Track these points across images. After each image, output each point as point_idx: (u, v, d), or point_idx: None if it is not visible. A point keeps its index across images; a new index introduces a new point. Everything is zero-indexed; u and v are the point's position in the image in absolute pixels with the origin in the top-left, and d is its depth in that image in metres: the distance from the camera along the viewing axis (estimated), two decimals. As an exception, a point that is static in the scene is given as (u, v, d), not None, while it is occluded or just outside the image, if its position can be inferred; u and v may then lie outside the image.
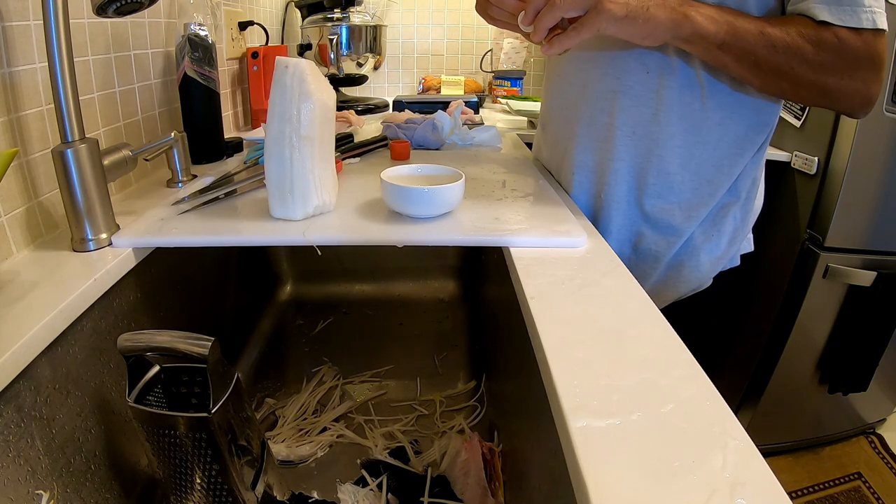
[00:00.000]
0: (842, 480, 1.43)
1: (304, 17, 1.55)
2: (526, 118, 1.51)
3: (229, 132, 1.14)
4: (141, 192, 0.79)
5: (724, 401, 0.36)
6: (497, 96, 1.83)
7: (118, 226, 0.62)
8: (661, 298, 0.79)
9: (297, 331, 1.01)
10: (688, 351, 0.42)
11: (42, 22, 0.51)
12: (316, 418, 0.79)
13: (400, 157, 0.98)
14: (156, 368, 0.50)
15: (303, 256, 1.10)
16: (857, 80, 0.59)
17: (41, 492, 0.44)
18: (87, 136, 0.57)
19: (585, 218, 0.70)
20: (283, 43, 1.63)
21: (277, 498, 0.56)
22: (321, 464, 0.72)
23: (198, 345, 0.44)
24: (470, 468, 0.66)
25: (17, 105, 0.57)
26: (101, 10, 0.55)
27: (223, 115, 1.02)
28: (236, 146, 1.02)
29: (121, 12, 0.56)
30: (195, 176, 0.84)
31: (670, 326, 0.46)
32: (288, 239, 0.62)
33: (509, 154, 1.05)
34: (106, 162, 0.61)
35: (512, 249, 0.60)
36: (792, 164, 1.34)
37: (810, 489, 1.41)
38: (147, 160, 0.76)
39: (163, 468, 0.48)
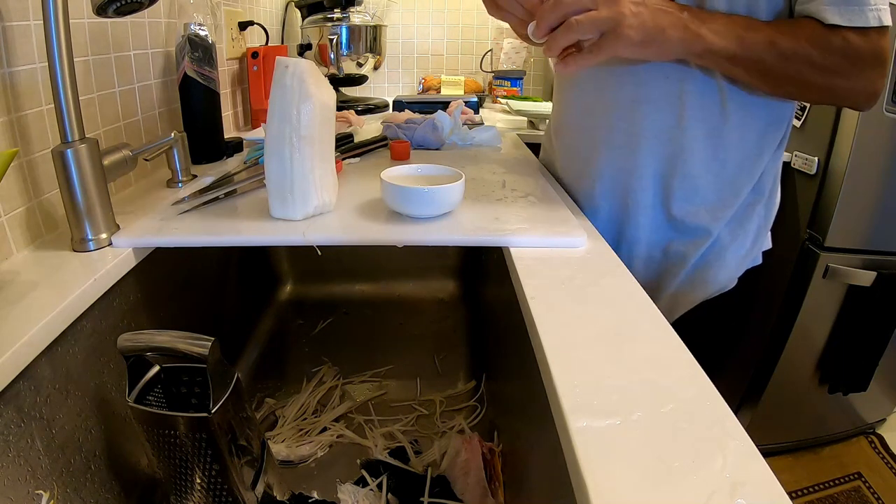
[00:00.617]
0: (842, 480, 1.43)
1: (304, 17, 1.55)
2: (526, 118, 1.51)
3: (229, 132, 1.14)
4: (141, 192, 0.79)
5: (724, 401, 0.36)
6: (497, 96, 1.83)
7: (118, 226, 0.62)
8: (688, 300, 0.79)
9: (297, 331, 1.01)
10: (688, 351, 0.42)
11: (42, 22, 0.51)
12: (316, 418, 0.79)
13: (400, 157, 0.98)
14: (156, 368, 0.50)
15: (303, 256, 1.10)
16: (864, 79, 0.60)
17: (41, 492, 0.44)
18: (87, 136, 0.57)
19: (585, 218, 0.70)
20: (283, 43, 1.63)
21: (277, 498, 0.56)
22: (321, 464, 0.72)
23: (198, 345, 0.44)
24: (470, 468, 0.66)
25: (17, 105, 0.57)
26: (101, 10, 0.55)
27: (223, 115, 1.02)
28: (236, 146, 1.02)
29: (121, 12, 0.56)
30: (195, 176, 0.84)
31: (670, 326, 0.46)
32: (288, 239, 0.62)
33: (509, 154, 1.05)
34: (106, 162, 0.61)
35: (512, 249, 0.60)
36: (792, 164, 1.34)
37: (810, 489, 1.41)
38: (147, 160, 0.76)
39: (163, 468, 0.48)
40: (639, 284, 0.53)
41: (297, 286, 1.11)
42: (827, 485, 1.42)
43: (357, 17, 1.50)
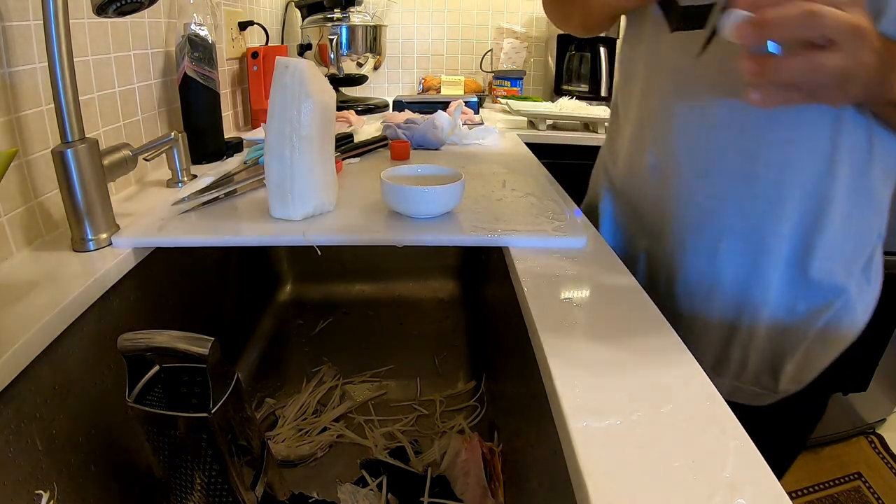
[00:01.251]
0: (842, 480, 1.43)
1: (304, 17, 1.55)
2: (526, 118, 1.51)
3: (229, 132, 1.14)
4: (141, 192, 0.79)
5: (724, 401, 0.36)
6: (497, 96, 1.83)
7: (118, 226, 0.62)
8: (819, 362, 0.65)
9: (297, 331, 1.01)
10: (688, 351, 0.42)
11: (42, 22, 0.51)
12: (316, 418, 0.79)
13: (400, 157, 0.98)
14: (156, 368, 0.50)
15: (303, 256, 1.10)
16: None
17: (41, 492, 0.44)
18: (87, 136, 0.57)
19: (585, 218, 0.70)
20: (283, 43, 1.63)
21: (277, 498, 0.56)
22: (321, 464, 0.72)
23: (198, 345, 0.44)
24: (470, 468, 0.66)
25: (17, 105, 0.57)
26: (101, 10, 0.55)
27: (223, 115, 1.02)
28: (236, 146, 1.02)
29: (121, 12, 0.56)
30: (195, 176, 0.84)
31: (670, 326, 0.46)
32: (288, 239, 0.62)
33: (509, 154, 1.05)
34: (106, 162, 0.61)
35: (512, 249, 0.60)
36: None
37: (810, 489, 1.41)
38: (147, 160, 0.76)
39: (163, 468, 0.48)
40: (639, 284, 0.53)
41: (296, 286, 1.11)
42: (827, 485, 1.42)
43: (357, 17, 1.50)
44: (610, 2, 0.64)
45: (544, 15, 2.13)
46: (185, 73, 0.89)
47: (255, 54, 1.22)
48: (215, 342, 0.44)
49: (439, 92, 1.85)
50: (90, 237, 0.59)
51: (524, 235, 0.61)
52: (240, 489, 0.48)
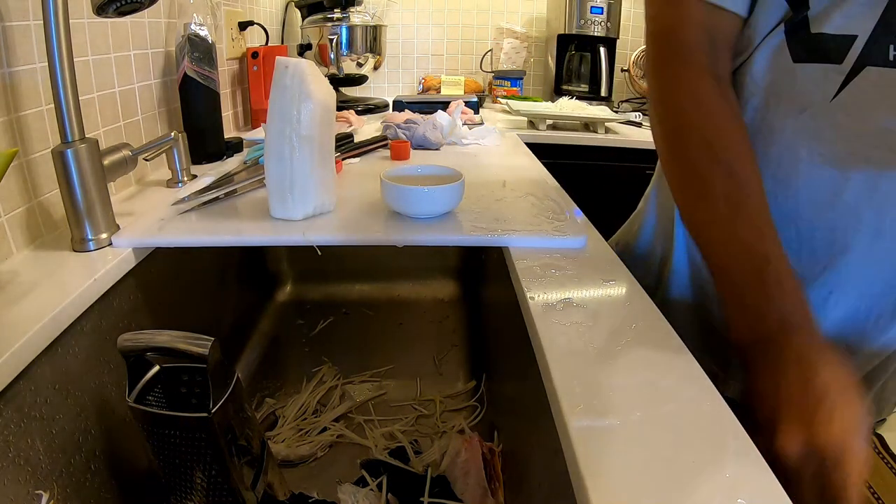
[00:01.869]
0: (842, 480, 1.43)
1: (304, 17, 1.55)
2: (526, 118, 1.51)
3: (229, 132, 1.14)
4: (141, 192, 0.79)
5: (723, 400, 0.36)
6: (497, 96, 1.83)
7: (118, 226, 0.62)
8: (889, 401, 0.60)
9: (297, 331, 1.01)
10: (688, 351, 0.42)
11: (42, 22, 0.51)
12: (316, 418, 0.79)
13: (400, 157, 0.98)
14: (156, 368, 0.50)
15: (303, 256, 1.10)
16: None
17: (41, 492, 0.44)
18: (87, 136, 0.57)
19: (585, 218, 0.70)
20: (283, 43, 1.63)
21: (277, 498, 0.56)
22: (321, 464, 0.72)
23: (198, 345, 0.44)
24: (470, 468, 0.66)
25: (17, 105, 0.57)
26: (101, 10, 0.55)
27: (223, 115, 1.02)
28: (236, 146, 1.02)
29: (121, 12, 0.56)
30: (195, 176, 0.84)
31: (670, 326, 0.46)
32: (288, 239, 0.62)
33: (509, 154, 1.05)
34: (106, 162, 0.61)
35: (512, 249, 0.60)
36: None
37: (810, 489, 1.41)
38: (147, 160, 0.76)
39: (163, 468, 0.48)
40: (638, 284, 0.53)
41: (296, 286, 1.11)
42: (827, 485, 1.42)
43: (357, 17, 1.50)
44: None
45: (544, 15, 2.14)
46: (185, 73, 0.89)
47: (255, 54, 1.22)
48: (215, 342, 0.44)
49: (439, 92, 1.85)
50: (90, 237, 0.59)
51: (524, 235, 0.61)
52: (240, 489, 0.48)
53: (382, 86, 1.97)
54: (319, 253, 0.63)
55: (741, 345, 0.47)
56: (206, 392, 0.48)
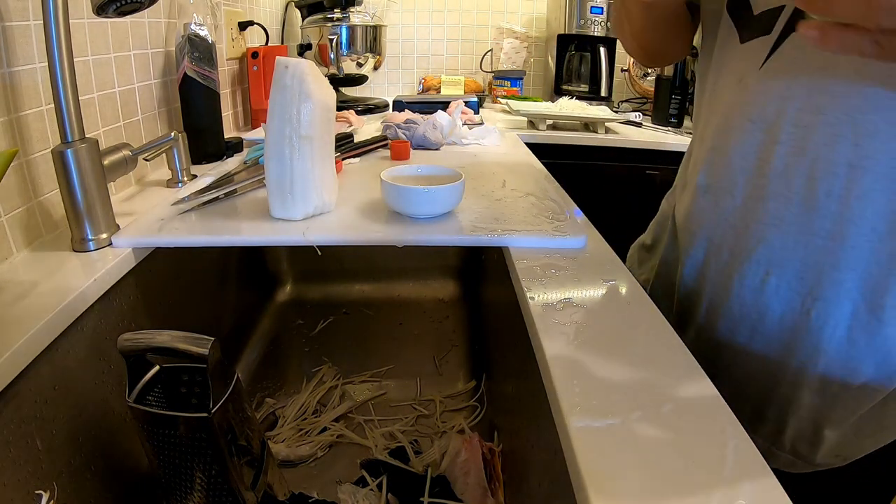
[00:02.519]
0: (842, 480, 1.43)
1: (304, 17, 1.55)
2: (526, 118, 1.51)
3: (229, 132, 1.14)
4: (141, 192, 0.79)
5: (724, 401, 0.36)
6: (497, 96, 1.83)
7: (118, 226, 0.62)
8: (862, 446, 0.54)
9: (297, 331, 1.01)
10: (688, 351, 0.42)
11: (42, 22, 0.51)
12: (316, 418, 0.79)
13: (400, 157, 0.98)
14: (156, 368, 0.50)
15: (303, 256, 1.10)
16: None
17: (41, 492, 0.44)
18: (87, 136, 0.57)
19: (585, 218, 0.70)
20: (283, 43, 1.63)
21: (277, 498, 0.56)
22: (321, 464, 0.72)
23: (198, 345, 0.44)
24: (470, 468, 0.66)
25: (17, 105, 0.57)
26: (101, 10, 0.55)
27: (223, 115, 1.02)
28: (236, 146, 1.02)
29: (121, 12, 0.56)
30: (195, 176, 0.84)
31: (670, 326, 0.46)
32: (288, 239, 0.62)
33: (509, 154, 1.05)
34: (106, 162, 0.61)
35: (512, 249, 0.60)
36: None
37: (810, 489, 1.41)
38: (147, 160, 0.76)
39: (163, 468, 0.48)
40: (639, 284, 0.53)
41: (296, 286, 1.11)
42: (827, 485, 1.42)
43: (357, 17, 1.50)
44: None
45: (544, 15, 2.14)
46: (185, 73, 0.89)
47: (255, 54, 1.22)
48: (215, 342, 0.44)
49: (439, 92, 1.85)
50: (90, 237, 0.59)
51: (524, 235, 0.62)
52: (240, 489, 0.48)
53: (382, 86, 1.97)
54: (319, 253, 0.63)
55: None
56: (206, 392, 0.48)
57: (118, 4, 0.55)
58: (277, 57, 0.61)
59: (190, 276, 0.78)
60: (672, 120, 1.57)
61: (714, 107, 0.56)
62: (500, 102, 1.75)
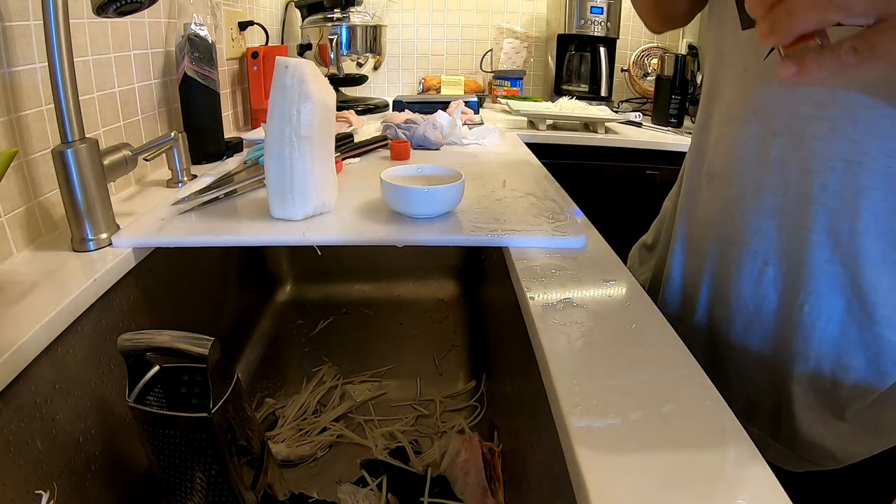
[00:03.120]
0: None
1: (304, 17, 1.55)
2: (526, 118, 1.51)
3: (229, 132, 1.14)
4: (141, 192, 0.79)
5: (724, 401, 0.36)
6: (497, 96, 1.83)
7: (118, 226, 0.62)
8: (856, 451, 0.52)
9: (297, 331, 1.01)
10: (687, 351, 0.42)
11: (42, 22, 0.51)
12: (316, 418, 0.79)
13: (400, 157, 0.98)
14: (156, 368, 0.50)
15: (303, 256, 1.10)
16: None
17: (41, 492, 0.44)
18: (87, 136, 0.57)
19: (585, 218, 0.70)
20: (283, 43, 1.63)
21: (277, 498, 0.56)
22: (321, 464, 0.72)
23: (198, 345, 0.44)
24: (470, 468, 0.66)
25: (17, 105, 0.57)
26: (101, 10, 0.55)
27: (223, 115, 1.02)
28: (236, 146, 1.02)
29: (121, 12, 0.56)
30: (195, 176, 0.84)
31: (670, 326, 0.46)
32: (288, 239, 0.62)
33: (509, 154, 1.05)
34: (106, 162, 0.61)
35: (512, 249, 0.60)
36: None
37: (810, 489, 1.41)
38: (147, 160, 0.76)
39: (163, 468, 0.48)
40: (638, 284, 0.53)
41: (296, 286, 1.11)
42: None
43: (357, 17, 1.50)
44: None
45: (544, 15, 2.14)
46: (185, 73, 0.89)
47: (255, 54, 1.22)
48: (215, 342, 0.44)
49: (439, 92, 1.85)
50: (90, 237, 0.59)
51: (524, 235, 0.61)
52: (240, 489, 0.48)
53: (382, 86, 1.97)
54: (319, 253, 0.63)
55: None
56: (206, 392, 0.48)
57: (118, 4, 0.55)
58: (277, 57, 0.61)
59: (190, 276, 0.78)
60: (672, 120, 1.57)
61: (716, 96, 0.57)
62: (500, 102, 1.75)
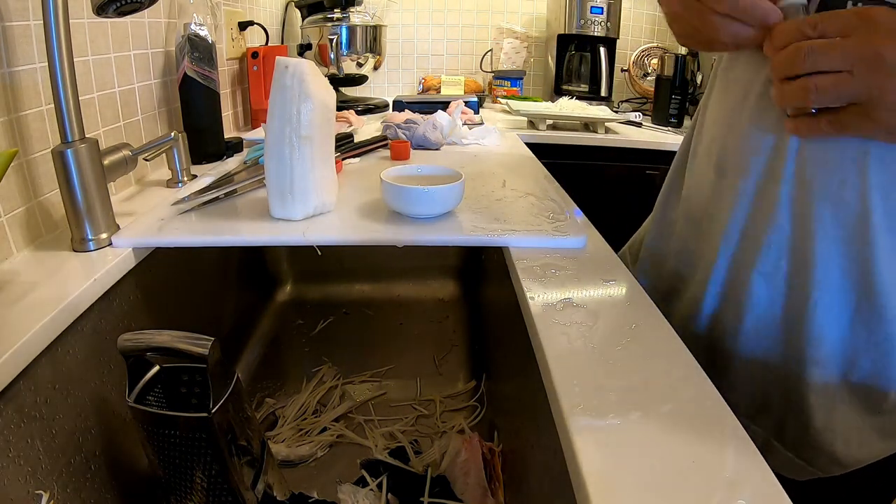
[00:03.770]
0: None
1: (304, 17, 1.55)
2: (526, 118, 1.51)
3: (229, 132, 1.14)
4: (141, 192, 0.79)
5: (724, 401, 0.36)
6: (497, 96, 1.83)
7: (118, 226, 0.62)
8: (863, 455, 0.51)
9: (297, 331, 1.01)
10: (687, 351, 0.42)
11: (42, 22, 0.51)
12: (316, 418, 0.79)
13: (400, 157, 0.98)
14: (156, 368, 0.50)
15: (303, 256, 1.10)
16: None
17: (41, 492, 0.44)
18: (87, 136, 0.57)
19: (585, 218, 0.70)
20: (283, 43, 1.63)
21: (277, 498, 0.56)
22: (321, 464, 0.72)
23: (198, 345, 0.44)
24: (470, 468, 0.66)
25: (17, 105, 0.57)
26: (101, 10, 0.55)
27: (223, 115, 1.02)
28: (236, 146, 1.02)
29: (121, 12, 0.56)
30: (195, 176, 0.84)
31: (670, 326, 0.46)
32: (288, 239, 0.62)
33: (509, 154, 1.05)
34: (106, 162, 0.61)
35: (512, 249, 0.60)
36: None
37: (810, 489, 1.41)
38: (147, 160, 0.76)
39: (163, 468, 0.48)
40: (638, 284, 0.53)
41: (296, 286, 1.11)
42: (827, 485, 1.41)
43: (357, 17, 1.50)
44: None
45: (544, 15, 2.13)
46: (185, 73, 0.89)
47: (255, 54, 1.22)
48: (215, 342, 0.44)
49: (439, 92, 1.85)
50: (90, 237, 0.59)
51: (524, 235, 0.61)
52: (240, 489, 0.48)
53: (382, 86, 1.97)
54: (319, 253, 0.63)
55: None
56: (206, 392, 0.48)
57: (118, 4, 0.55)
58: (277, 57, 0.61)
59: (190, 276, 0.78)
60: (672, 120, 1.57)
61: (723, 93, 0.57)
62: (500, 102, 1.75)
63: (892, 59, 0.37)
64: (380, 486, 0.68)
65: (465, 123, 1.23)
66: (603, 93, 1.75)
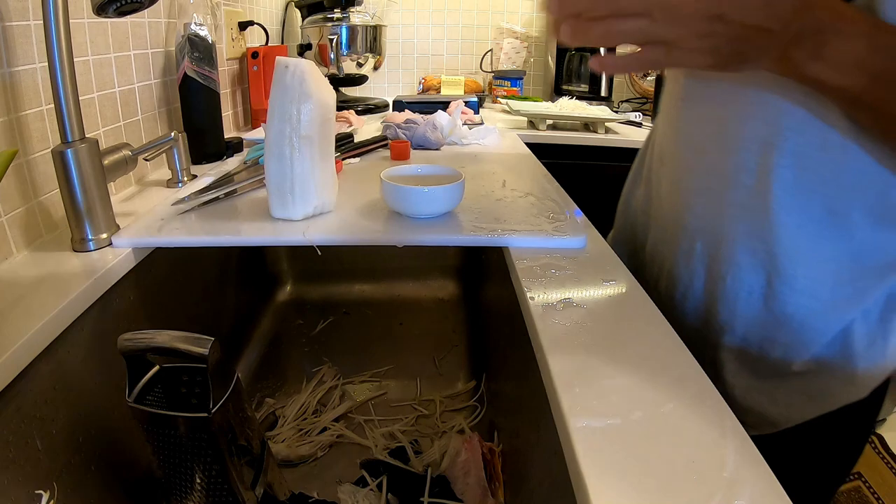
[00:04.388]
0: (842, 480, 1.42)
1: (304, 17, 1.55)
2: (526, 118, 1.51)
3: (229, 132, 1.14)
4: (141, 192, 0.79)
5: (724, 400, 0.37)
6: (497, 96, 1.83)
7: (118, 226, 0.62)
8: (792, 417, 0.55)
9: (297, 331, 1.01)
10: (687, 351, 0.42)
11: (42, 22, 0.51)
12: (316, 418, 0.79)
13: (400, 157, 0.98)
14: (156, 368, 0.50)
15: (303, 256, 1.10)
16: None
17: (41, 492, 0.44)
18: (87, 136, 0.57)
19: (585, 218, 0.70)
20: (283, 43, 1.63)
21: (277, 498, 0.56)
22: (321, 464, 0.72)
23: (198, 345, 0.44)
24: (470, 468, 0.66)
25: (17, 105, 0.57)
26: (101, 10, 0.55)
27: (223, 115, 1.02)
28: (236, 146, 1.02)
29: (121, 12, 0.56)
30: (195, 176, 0.84)
31: (670, 326, 0.46)
32: (288, 239, 0.62)
33: (509, 154, 1.05)
34: (106, 162, 0.61)
35: (512, 249, 0.60)
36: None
37: (810, 489, 1.41)
38: (147, 160, 0.76)
39: (163, 468, 0.48)
40: (638, 284, 0.53)
41: (296, 286, 1.11)
42: (827, 485, 1.41)
43: (357, 17, 1.50)
44: None
45: (545, 14, 2.13)
46: (185, 73, 0.89)
47: (255, 54, 1.22)
48: (215, 342, 0.44)
49: (439, 92, 1.85)
50: (90, 237, 0.59)
51: (524, 235, 0.61)
52: (240, 489, 0.48)
53: (382, 86, 1.97)
54: (319, 253, 0.63)
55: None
56: (206, 392, 0.48)
57: (118, 4, 0.55)
58: (277, 57, 0.61)
59: (190, 276, 0.78)
60: (672, 120, 1.57)
61: (667, 85, 0.63)
62: (500, 102, 1.75)
63: (689, 11, 0.37)
64: (380, 486, 0.68)
65: (465, 123, 1.23)
66: (603, 93, 1.75)
